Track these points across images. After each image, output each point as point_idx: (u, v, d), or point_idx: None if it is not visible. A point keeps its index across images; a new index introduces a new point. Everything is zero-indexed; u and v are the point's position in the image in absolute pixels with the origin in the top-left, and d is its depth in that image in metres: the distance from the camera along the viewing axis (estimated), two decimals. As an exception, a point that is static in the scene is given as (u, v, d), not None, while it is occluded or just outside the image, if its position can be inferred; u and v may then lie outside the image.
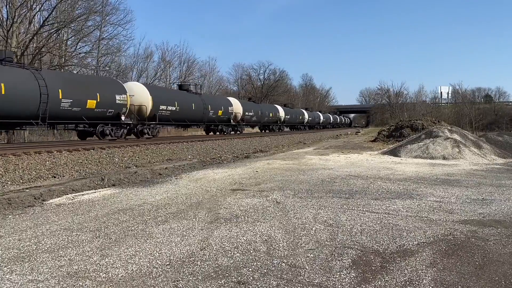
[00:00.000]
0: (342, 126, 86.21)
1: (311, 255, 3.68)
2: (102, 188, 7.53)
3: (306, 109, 59.78)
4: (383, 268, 3.37)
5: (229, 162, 12.28)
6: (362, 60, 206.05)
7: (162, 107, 21.68)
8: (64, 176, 9.25)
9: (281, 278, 3.15)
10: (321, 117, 66.84)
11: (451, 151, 13.56)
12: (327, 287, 3.02)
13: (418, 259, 3.59)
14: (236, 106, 31.32)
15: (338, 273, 3.25)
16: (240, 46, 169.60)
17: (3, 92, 13.22)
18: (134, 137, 21.10)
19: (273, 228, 4.57)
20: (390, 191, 7.01)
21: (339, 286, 3.03)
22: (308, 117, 56.34)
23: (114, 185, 7.90)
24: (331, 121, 77.39)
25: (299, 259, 3.58)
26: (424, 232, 4.43)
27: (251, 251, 3.78)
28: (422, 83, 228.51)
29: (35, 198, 6.28)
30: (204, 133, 31.06)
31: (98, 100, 17.19)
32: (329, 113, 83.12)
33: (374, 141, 22.63)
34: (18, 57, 25.21)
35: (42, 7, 28.81)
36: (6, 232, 4.45)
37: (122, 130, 19.22)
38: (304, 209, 5.50)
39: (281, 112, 43.52)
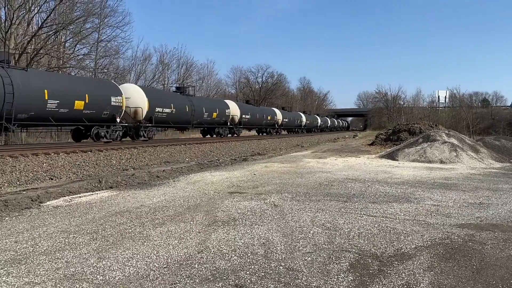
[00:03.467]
0: (339, 129, 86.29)
1: (309, 258, 3.68)
2: (100, 190, 7.52)
3: (282, 109, 48.97)
4: (381, 272, 3.37)
5: (227, 165, 12.28)
6: (360, 64, 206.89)
7: None
8: (61, 178, 9.22)
9: (279, 282, 3.15)
10: (303, 119, 53.73)
11: (448, 155, 13.60)
12: (324, 291, 3.01)
13: (415, 262, 3.59)
14: (137, 99, 19.74)
15: (336, 277, 3.25)
16: (238, 50, 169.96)
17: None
18: None
19: (271, 231, 4.57)
20: (387, 194, 7.02)
21: (336, 289, 3.03)
22: (283, 118, 43.44)
23: (111, 187, 7.88)
24: (319, 124, 64.84)
25: (297, 262, 3.58)
26: (421, 235, 4.44)
27: (249, 254, 3.77)
28: (420, 87, 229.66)
29: (32, 200, 6.26)
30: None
31: None
32: (326, 116, 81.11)
33: (371, 144, 22.67)
34: (16, 59, 25.20)
35: (41, 9, 28.82)
36: (3, 234, 4.43)
37: None
38: (301, 212, 5.49)
39: (235, 110, 31.10)
